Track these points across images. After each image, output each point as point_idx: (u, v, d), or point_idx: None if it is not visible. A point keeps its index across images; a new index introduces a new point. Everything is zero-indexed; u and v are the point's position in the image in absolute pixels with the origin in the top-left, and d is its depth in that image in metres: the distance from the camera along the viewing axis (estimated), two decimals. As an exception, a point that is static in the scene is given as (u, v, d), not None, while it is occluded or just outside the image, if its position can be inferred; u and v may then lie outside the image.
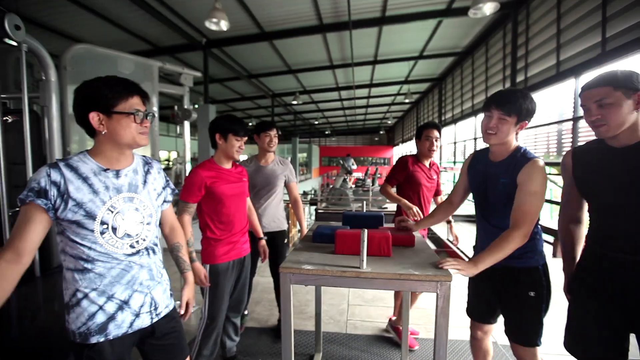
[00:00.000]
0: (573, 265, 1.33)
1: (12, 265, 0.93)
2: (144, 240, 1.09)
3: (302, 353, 2.26)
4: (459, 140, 9.98)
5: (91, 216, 0.97)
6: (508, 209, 1.32)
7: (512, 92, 1.35)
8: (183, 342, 1.23)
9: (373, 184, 11.01)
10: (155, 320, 1.12)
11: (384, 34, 7.16)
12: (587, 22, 4.24)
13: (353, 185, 11.24)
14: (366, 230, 1.22)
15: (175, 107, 2.64)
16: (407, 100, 12.49)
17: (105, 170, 1.02)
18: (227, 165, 1.79)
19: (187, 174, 2.03)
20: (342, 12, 5.98)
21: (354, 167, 11.03)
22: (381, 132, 25.96)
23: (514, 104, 1.32)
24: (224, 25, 4.24)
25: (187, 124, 2.67)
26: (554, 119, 5.27)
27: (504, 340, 2.20)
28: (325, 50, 8.05)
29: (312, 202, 8.16)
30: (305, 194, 11.44)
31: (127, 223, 1.04)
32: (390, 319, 2.58)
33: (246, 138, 1.78)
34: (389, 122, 21.56)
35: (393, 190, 2.38)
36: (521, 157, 1.35)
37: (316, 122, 20.30)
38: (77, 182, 0.97)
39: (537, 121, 5.74)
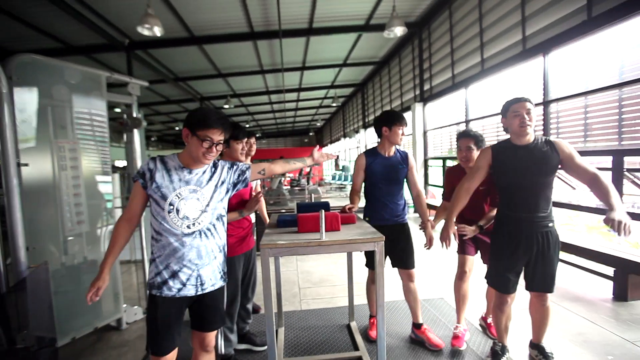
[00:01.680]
0: (453, 216, 1.98)
1: (126, 224, 1.41)
2: (200, 223, 1.41)
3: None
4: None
5: (164, 197, 1.36)
6: (402, 183, 2.31)
7: (401, 114, 2.30)
8: (217, 317, 1.54)
9: (308, 184, 11.59)
10: (200, 292, 1.43)
11: (311, 43, 7.72)
12: (471, 45, 5.36)
13: (288, 186, 11.69)
14: (323, 211, 1.63)
15: (125, 116, 2.70)
16: (334, 104, 13.39)
17: (182, 167, 1.41)
18: None
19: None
20: (272, 22, 6.33)
21: (288, 168, 11.42)
22: (310, 134, 26.91)
23: (404, 120, 2.26)
24: (157, 32, 4.24)
25: (137, 132, 2.74)
26: (452, 122, 6.42)
27: (423, 296, 2.81)
28: (255, 56, 8.28)
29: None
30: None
31: (188, 208, 1.38)
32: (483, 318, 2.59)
33: (247, 139, 2.02)
34: (318, 124, 22.54)
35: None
36: (403, 152, 2.35)
37: (247, 126, 20.16)
38: (162, 171, 1.39)
39: (441, 123, 6.88)
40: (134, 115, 2.71)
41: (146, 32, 4.24)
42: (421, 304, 2.41)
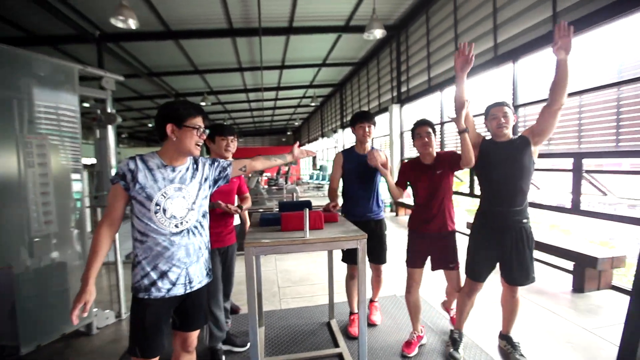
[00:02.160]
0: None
1: (108, 230, 1.33)
2: (187, 222, 1.39)
3: (247, 331, 2.56)
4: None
5: (149, 198, 1.32)
6: (376, 181, 2.40)
7: (369, 112, 2.36)
8: (202, 315, 1.52)
9: (286, 183, 11.54)
10: (188, 291, 1.41)
11: (291, 42, 7.69)
12: (446, 49, 5.56)
13: (266, 186, 11.57)
14: (307, 209, 1.65)
15: (98, 111, 2.58)
16: (312, 103, 13.40)
17: (165, 165, 1.37)
18: None
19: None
20: (252, 19, 6.26)
21: (266, 167, 11.31)
22: (288, 133, 26.76)
23: (373, 118, 2.36)
24: (132, 24, 4.09)
25: (110, 129, 2.63)
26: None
27: (402, 292, 2.90)
28: (234, 53, 8.14)
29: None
30: (217, 196, 11.16)
31: (174, 207, 1.36)
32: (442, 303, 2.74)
33: (232, 137, 2.04)
34: (296, 123, 22.45)
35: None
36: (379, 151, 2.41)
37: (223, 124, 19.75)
38: (144, 171, 1.33)
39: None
40: (109, 110, 2.60)
41: (120, 24, 4.07)
42: (398, 300, 2.49)
